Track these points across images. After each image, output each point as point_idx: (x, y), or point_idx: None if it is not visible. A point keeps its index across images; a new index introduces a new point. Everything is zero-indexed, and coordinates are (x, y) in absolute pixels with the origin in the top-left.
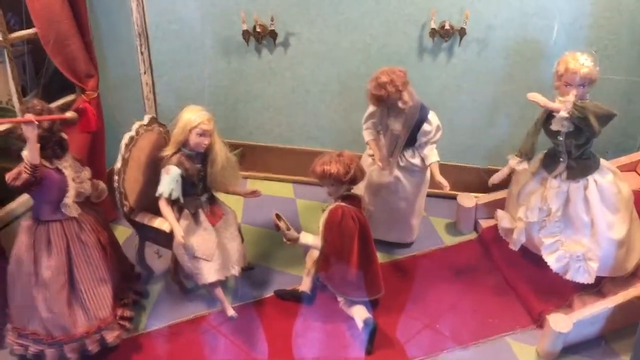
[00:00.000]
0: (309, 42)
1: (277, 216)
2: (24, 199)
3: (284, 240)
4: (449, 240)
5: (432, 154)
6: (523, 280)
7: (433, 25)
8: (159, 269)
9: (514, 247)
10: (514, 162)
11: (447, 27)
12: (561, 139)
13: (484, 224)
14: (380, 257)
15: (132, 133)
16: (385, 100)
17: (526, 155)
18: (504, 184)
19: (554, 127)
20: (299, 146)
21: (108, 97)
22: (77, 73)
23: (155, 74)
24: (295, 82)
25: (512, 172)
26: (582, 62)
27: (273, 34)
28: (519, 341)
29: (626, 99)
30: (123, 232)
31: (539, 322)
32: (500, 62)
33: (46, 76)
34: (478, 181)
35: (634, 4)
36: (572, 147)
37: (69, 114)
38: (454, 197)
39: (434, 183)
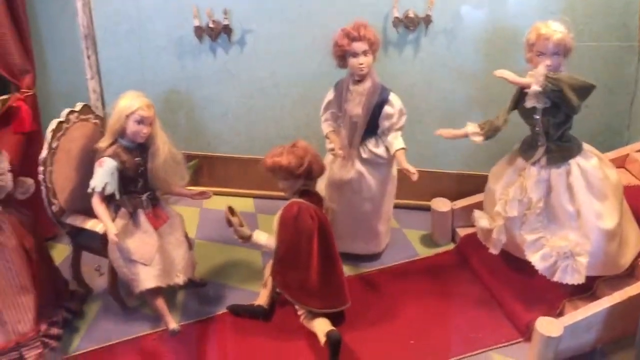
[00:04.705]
0: (266, 40)
1: (231, 210)
2: None
3: (235, 237)
4: (424, 252)
5: (396, 141)
6: (507, 289)
7: (396, 13)
8: (99, 287)
9: (495, 250)
10: (471, 129)
11: (411, 15)
12: (537, 117)
13: (462, 232)
14: (347, 270)
15: (62, 119)
16: (353, 43)
17: (486, 131)
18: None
19: (528, 103)
20: (261, 156)
21: (49, 105)
22: (11, 68)
23: (103, 80)
24: (254, 86)
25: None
26: (555, 29)
27: (227, 30)
28: (505, 355)
29: (607, 90)
30: (62, 251)
31: (526, 334)
32: (470, 55)
33: None
34: (454, 188)
35: None
36: (550, 127)
37: None
38: (428, 209)
39: (404, 190)
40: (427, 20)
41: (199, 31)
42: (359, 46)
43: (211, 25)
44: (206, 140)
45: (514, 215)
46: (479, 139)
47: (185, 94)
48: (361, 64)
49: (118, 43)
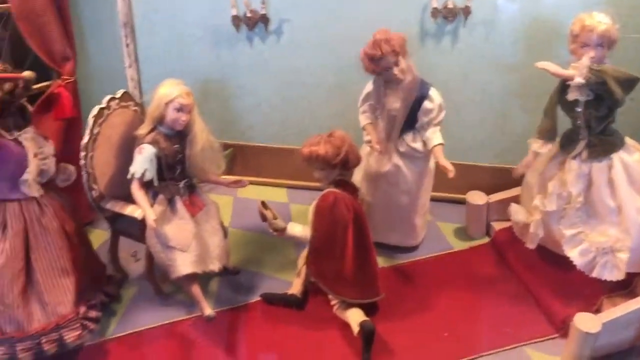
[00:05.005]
0: (302, 30)
1: (263, 204)
2: None
3: (270, 230)
4: (459, 245)
5: (435, 137)
6: (543, 285)
7: (435, 4)
8: (135, 272)
9: (531, 244)
10: (536, 145)
11: (450, 5)
12: (579, 110)
13: (497, 226)
14: (381, 262)
15: (103, 105)
16: (380, 62)
17: (547, 134)
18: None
19: (571, 96)
20: (294, 146)
21: (87, 91)
22: (53, 55)
23: (140, 68)
24: (290, 76)
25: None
26: (600, 20)
27: (265, 19)
28: (539, 351)
29: None
30: (99, 236)
31: (562, 329)
32: (509, 47)
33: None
34: (490, 182)
35: None
36: (593, 120)
37: (26, 73)
38: (463, 202)
39: (438, 183)
40: (467, 11)
41: (236, 20)
42: (387, 61)
43: (249, 14)
44: (240, 129)
45: (553, 209)
46: (546, 147)
47: (221, 83)
48: (396, 74)
49: (156, 32)
